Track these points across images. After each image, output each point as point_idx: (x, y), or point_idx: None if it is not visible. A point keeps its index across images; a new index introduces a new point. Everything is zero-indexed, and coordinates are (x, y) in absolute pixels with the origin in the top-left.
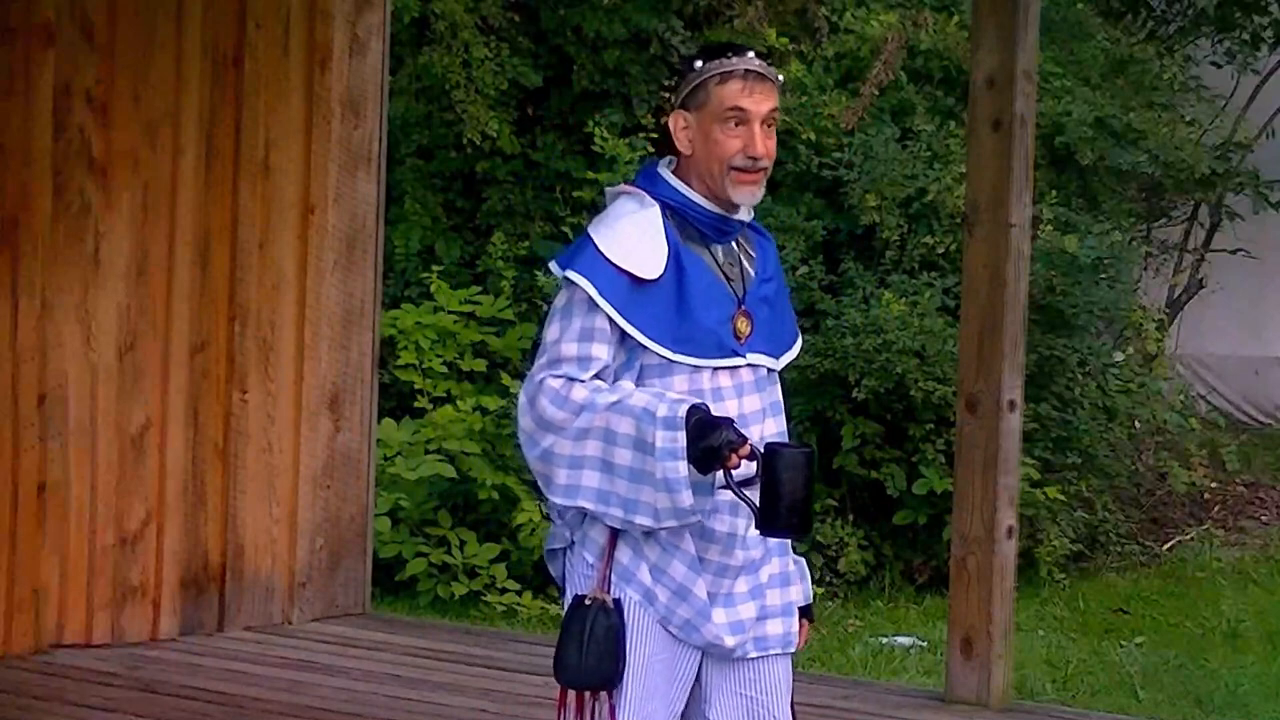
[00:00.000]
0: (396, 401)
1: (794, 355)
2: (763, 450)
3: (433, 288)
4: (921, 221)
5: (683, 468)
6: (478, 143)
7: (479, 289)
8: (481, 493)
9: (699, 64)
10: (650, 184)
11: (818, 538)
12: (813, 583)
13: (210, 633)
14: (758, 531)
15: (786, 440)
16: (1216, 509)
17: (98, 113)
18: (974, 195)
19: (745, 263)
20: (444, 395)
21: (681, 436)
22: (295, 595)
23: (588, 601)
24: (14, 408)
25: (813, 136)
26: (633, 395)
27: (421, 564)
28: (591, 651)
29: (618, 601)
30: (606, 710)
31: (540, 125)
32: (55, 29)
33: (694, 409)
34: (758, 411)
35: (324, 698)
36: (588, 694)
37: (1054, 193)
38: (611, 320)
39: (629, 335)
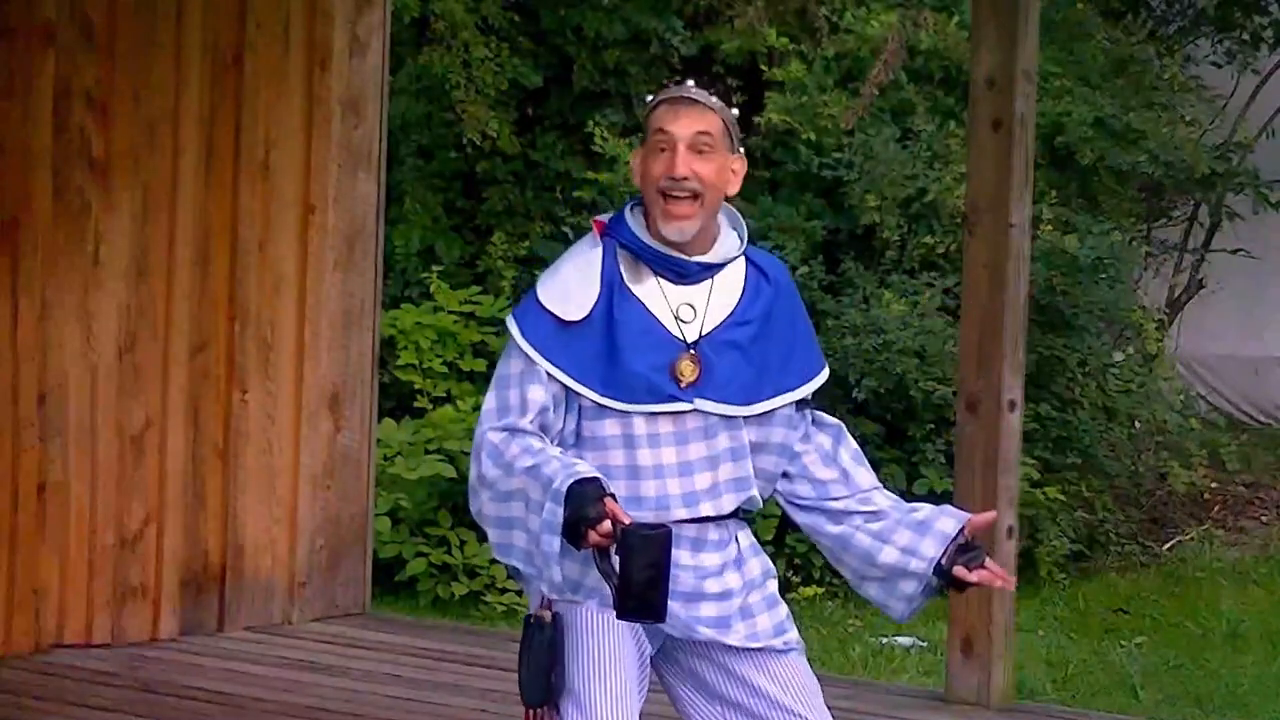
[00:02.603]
0: (396, 401)
1: (797, 395)
2: (619, 531)
3: (433, 288)
4: (921, 221)
5: (555, 542)
6: (478, 143)
7: (479, 289)
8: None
9: (648, 100)
10: (614, 222)
11: None
12: (813, 583)
13: (210, 633)
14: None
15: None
16: (1216, 509)
17: (98, 113)
18: (974, 195)
19: (714, 305)
20: (444, 395)
21: (560, 511)
22: (295, 595)
23: (532, 620)
24: (14, 408)
25: (813, 136)
26: (549, 462)
27: (421, 564)
28: (531, 669)
29: (556, 615)
30: None
31: (540, 125)
32: (55, 29)
33: (583, 481)
34: (703, 459)
35: (324, 698)
36: (538, 711)
37: (1054, 193)
38: (539, 364)
39: (556, 378)
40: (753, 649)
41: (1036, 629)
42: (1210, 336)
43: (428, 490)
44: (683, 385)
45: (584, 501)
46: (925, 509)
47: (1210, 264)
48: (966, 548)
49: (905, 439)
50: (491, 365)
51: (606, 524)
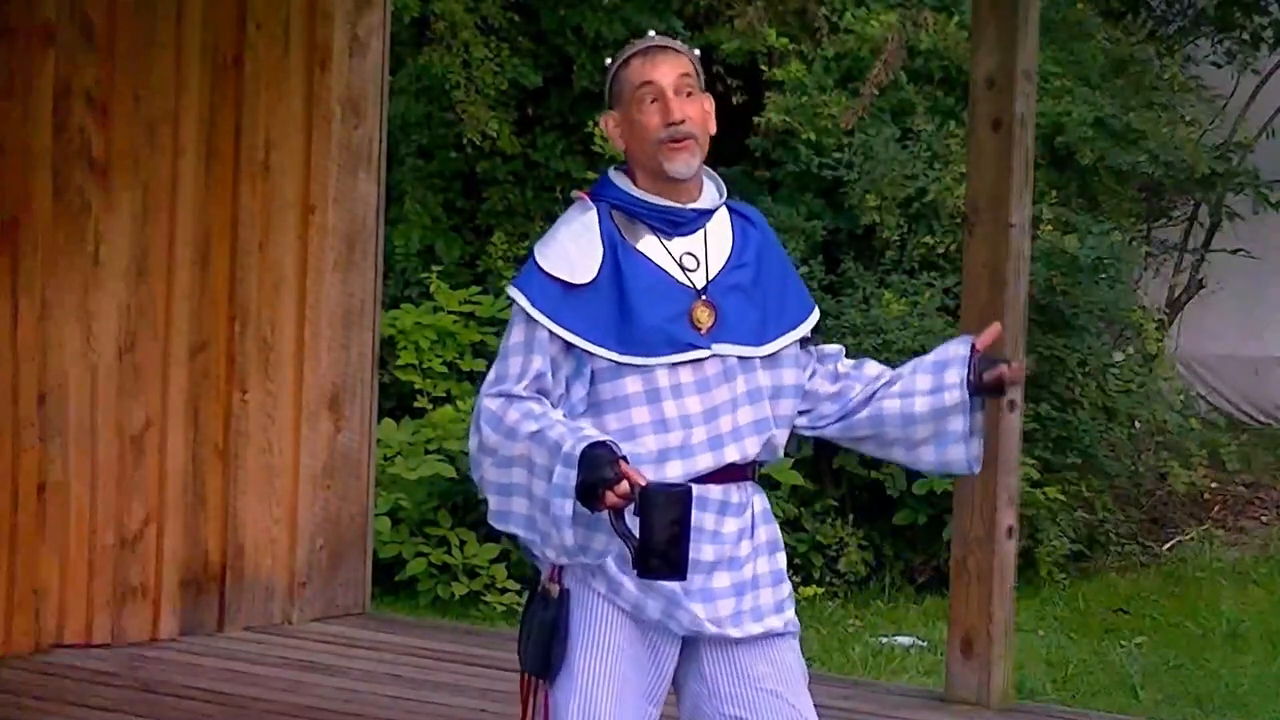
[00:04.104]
0: (396, 401)
1: (799, 333)
2: (638, 491)
3: (432, 288)
4: (921, 221)
5: (568, 506)
6: (478, 143)
7: (479, 289)
8: (481, 493)
9: (608, 63)
10: (600, 188)
11: (818, 538)
12: (813, 583)
13: (210, 633)
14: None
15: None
16: (1216, 509)
17: (98, 113)
18: (974, 195)
19: (711, 251)
20: (444, 395)
21: (573, 475)
22: (295, 595)
23: (540, 590)
24: (14, 408)
25: (813, 136)
26: (554, 426)
27: (421, 564)
28: (533, 640)
29: (565, 592)
30: (542, 699)
31: (540, 125)
32: (55, 29)
33: (595, 445)
34: (727, 403)
35: (324, 698)
36: (534, 679)
37: (1054, 193)
38: (550, 332)
39: (572, 342)
40: (755, 635)
41: (1036, 629)
42: (1210, 336)
43: (428, 490)
44: (702, 332)
45: (598, 464)
46: (930, 354)
47: (1210, 264)
48: (985, 361)
49: None
50: (491, 365)
51: (624, 485)
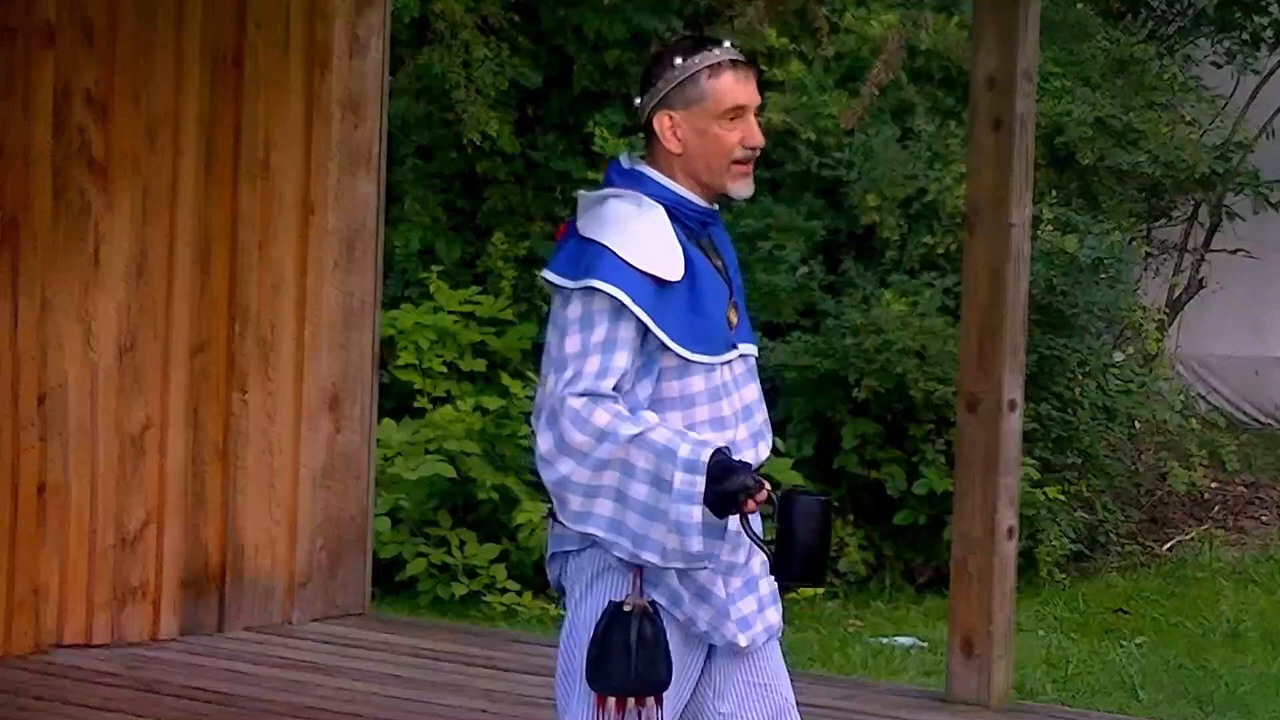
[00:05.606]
0: (396, 401)
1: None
2: (779, 496)
3: (432, 288)
4: (921, 221)
5: (697, 513)
6: (478, 143)
7: (479, 289)
8: (481, 493)
9: (679, 60)
10: (636, 183)
11: None
12: None
13: (210, 633)
14: (771, 577)
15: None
16: (1216, 509)
17: (98, 113)
18: (974, 195)
19: (721, 254)
20: (444, 395)
21: (700, 481)
22: (295, 595)
23: (627, 608)
24: (14, 408)
25: (813, 136)
26: (655, 429)
27: (421, 564)
28: (641, 658)
29: (654, 603)
30: (657, 714)
31: (540, 125)
32: (55, 29)
33: (716, 452)
34: (755, 401)
35: (324, 698)
36: (631, 700)
37: (1054, 193)
38: (637, 328)
39: (650, 339)
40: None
41: (1036, 629)
42: (1210, 336)
43: (428, 490)
44: (732, 331)
45: (733, 471)
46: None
47: (1210, 264)
48: None
49: (905, 439)
50: (491, 365)
51: (764, 492)
